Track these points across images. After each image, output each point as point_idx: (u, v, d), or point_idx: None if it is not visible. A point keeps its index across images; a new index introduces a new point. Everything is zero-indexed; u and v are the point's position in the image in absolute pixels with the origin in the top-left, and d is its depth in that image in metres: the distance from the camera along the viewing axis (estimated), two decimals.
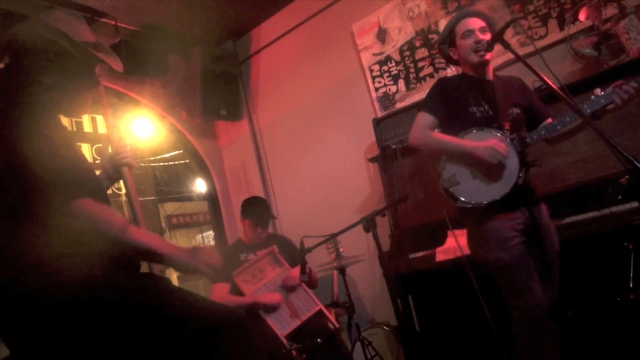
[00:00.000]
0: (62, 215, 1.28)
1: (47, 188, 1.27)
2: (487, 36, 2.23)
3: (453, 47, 2.35)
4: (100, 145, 4.70)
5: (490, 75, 2.32)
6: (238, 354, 1.41)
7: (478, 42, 2.20)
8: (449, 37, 2.35)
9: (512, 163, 2.13)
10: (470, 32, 2.24)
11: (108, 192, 1.92)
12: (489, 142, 2.12)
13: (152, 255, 1.45)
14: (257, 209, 3.46)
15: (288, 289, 3.12)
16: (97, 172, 1.80)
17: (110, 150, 1.84)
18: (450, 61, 2.46)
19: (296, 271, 3.12)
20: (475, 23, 2.25)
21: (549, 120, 2.27)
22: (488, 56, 2.23)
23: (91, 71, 1.61)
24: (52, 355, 1.28)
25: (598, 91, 2.06)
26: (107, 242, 1.38)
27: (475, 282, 2.30)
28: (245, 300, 3.02)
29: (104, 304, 1.31)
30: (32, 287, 1.25)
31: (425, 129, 2.28)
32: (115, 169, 1.81)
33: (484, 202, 2.12)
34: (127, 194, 1.82)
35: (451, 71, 3.53)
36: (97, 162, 4.32)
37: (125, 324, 1.32)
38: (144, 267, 1.60)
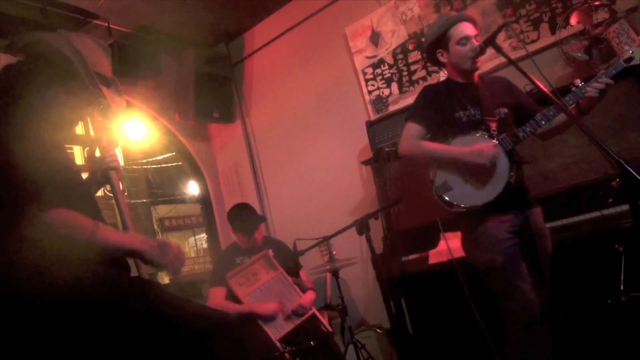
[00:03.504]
0: (35, 225, 1.29)
1: (27, 196, 1.28)
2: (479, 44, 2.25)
3: (443, 50, 2.34)
4: (87, 148, 4.66)
5: (475, 79, 2.33)
6: (229, 358, 1.41)
7: (474, 49, 2.21)
8: (442, 40, 2.34)
9: (502, 163, 2.14)
10: (467, 39, 2.24)
11: (99, 194, 1.91)
12: (476, 147, 2.13)
13: (124, 252, 1.48)
14: (242, 218, 3.43)
15: (297, 314, 3.10)
16: (85, 176, 1.80)
17: (97, 154, 1.83)
18: (435, 63, 2.45)
19: (307, 298, 3.14)
20: (470, 29, 2.26)
21: None
22: (479, 63, 2.25)
23: (90, 101, 1.61)
24: (42, 358, 1.27)
25: (578, 82, 2.07)
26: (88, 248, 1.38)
27: (465, 285, 2.31)
28: (242, 308, 3.00)
29: (94, 306, 1.30)
30: (23, 289, 1.25)
31: (413, 139, 2.29)
32: (102, 173, 1.80)
33: (479, 205, 2.13)
34: (115, 198, 1.81)
35: (444, 74, 3.54)
36: None
37: (116, 327, 1.31)
38: (134, 271, 1.60)
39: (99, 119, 1.80)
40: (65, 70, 1.51)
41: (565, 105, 2.03)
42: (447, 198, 2.20)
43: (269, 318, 2.99)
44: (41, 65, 1.50)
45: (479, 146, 2.13)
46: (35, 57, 1.51)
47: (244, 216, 3.44)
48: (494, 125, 2.20)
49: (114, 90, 1.65)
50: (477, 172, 2.16)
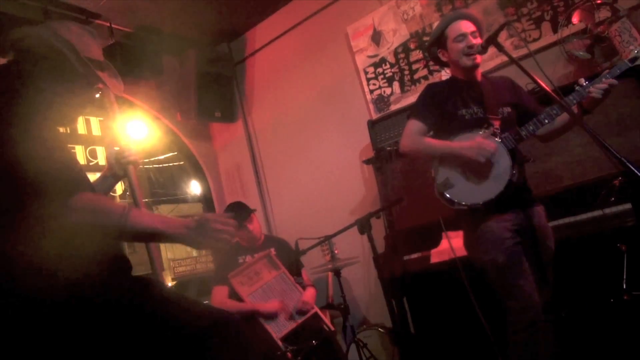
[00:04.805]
0: (64, 212, 1.27)
1: (44, 189, 1.27)
2: (478, 40, 2.24)
3: (442, 49, 2.36)
4: (101, 146, 4.66)
5: (478, 77, 2.34)
6: (231, 356, 1.41)
7: (470, 46, 2.21)
8: (439, 39, 2.35)
9: (504, 161, 2.14)
10: (462, 37, 2.25)
11: (111, 190, 1.92)
12: (474, 141, 2.14)
13: (158, 237, 1.42)
14: (231, 214, 3.47)
15: (301, 312, 3.10)
16: (101, 171, 1.82)
17: (116, 149, 1.85)
18: (438, 62, 2.47)
19: (309, 294, 3.16)
20: (467, 27, 2.26)
21: None
22: (479, 59, 2.25)
23: (88, 89, 1.61)
24: (43, 357, 1.27)
25: (582, 81, 2.08)
26: (102, 243, 1.38)
27: (467, 284, 2.31)
28: (244, 307, 3.02)
29: (97, 306, 1.30)
30: (25, 289, 1.25)
31: (415, 136, 2.30)
32: (121, 166, 1.82)
33: (480, 203, 2.13)
34: (131, 191, 1.84)
35: (446, 74, 3.54)
36: (91, 164, 4.31)
37: (118, 326, 1.31)
38: (138, 270, 1.59)
39: (101, 118, 1.81)
40: (58, 61, 1.50)
41: (568, 104, 2.03)
42: (448, 195, 2.20)
43: (271, 317, 3.00)
44: (33, 60, 1.49)
45: (478, 140, 2.13)
46: (26, 54, 1.50)
47: (233, 211, 3.49)
48: (497, 124, 2.20)
49: (110, 74, 1.64)
50: (479, 169, 2.15)
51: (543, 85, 1.90)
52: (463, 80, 2.32)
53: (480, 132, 2.20)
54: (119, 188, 4.65)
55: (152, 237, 1.43)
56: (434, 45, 2.39)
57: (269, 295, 3.10)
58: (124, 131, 1.93)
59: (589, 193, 2.57)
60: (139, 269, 1.68)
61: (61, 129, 1.65)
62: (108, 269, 1.39)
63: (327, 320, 3.17)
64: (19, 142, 1.29)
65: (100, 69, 1.59)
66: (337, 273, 3.16)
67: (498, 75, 2.49)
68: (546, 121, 2.13)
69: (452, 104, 2.28)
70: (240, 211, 3.44)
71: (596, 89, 2.01)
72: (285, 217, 4.60)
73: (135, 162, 1.84)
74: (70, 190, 1.30)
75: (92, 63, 1.55)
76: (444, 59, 2.38)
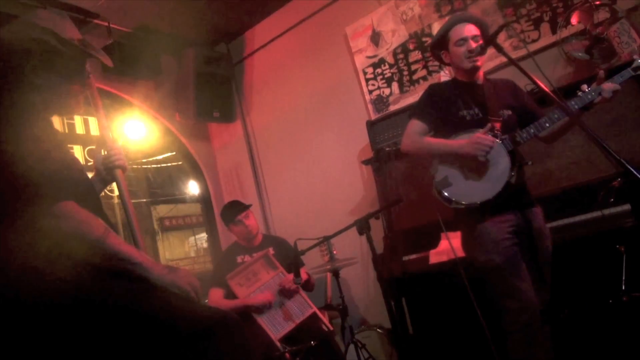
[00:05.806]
0: (46, 217, 1.27)
1: (34, 190, 1.26)
2: (480, 43, 2.26)
3: (445, 51, 2.38)
4: (93, 147, 4.67)
5: (480, 79, 2.34)
6: (230, 357, 1.40)
7: (471, 50, 2.23)
8: (442, 41, 2.37)
9: (503, 162, 2.14)
10: (463, 41, 2.26)
11: (100, 194, 1.90)
12: (472, 137, 2.15)
13: (130, 264, 1.43)
14: (227, 210, 3.49)
15: (285, 293, 3.10)
16: (90, 175, 1.79)
17: (103, 153, 1.82)
18: (441, 62, 2.50)
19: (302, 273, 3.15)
20: (469, 31, 2.28)
21: None
22: (480, 61, 2.26)
23: (81, 68, 1.59)
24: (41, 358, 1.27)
25: (585, 87, 2.09)
26: (94, 246, 1.37)
27: (467, 284, 2.31)
28: (236, 303, 3.01)
29: (93, 307, 1.30)
30: (19, 290, 1.24)
31: (416, 135, 2.32)
32: (108, 171, 1.79)
33: (478, 202, 2.13)
34: (120, 196, 1.80)
35: (445, 74, 3.54)
36: (90, 164, 4.31)
37: (116, 327, 1.31)
38: None
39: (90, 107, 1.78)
40: (43, 52, 1.48)
41: (566, 104, 2.03)
42: (446, 194, 2.21)
43: (263, 309, 2.99)
44: (21, 58, 1.47)
45: (476, 136, 2.15)
46: (11, 54, 1.47)
47: (229, 207, 3.50)
48: (498, 125, 2.21)
49: (92, 50, 1.62)
50: (478, 169, 2.16)
51: (542, 86, 1.90)
52: (465, 82, 2.34)
53: (480, 132, 2.20)
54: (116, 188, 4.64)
55: (123, 262, 1.42)
56: (437, 47, 2.41)
57: None
58: (112, 133, 1.89)
59: (587, 194, 2.57)
60: None
61: (59, 129, 1.64)
62: (105, 270, 1.38)
63: (325, 320, 3.17)
64: (13, 142, 1.28)
65: (83, 46, 1.57)
66: (335, 274, 3.15)
67: (500, 78, 2.50)
68: (547, 125, 2.14)
69: (453, 105, 2.29)
70: (236, 207, 3.45)
71: (609, 88, 2.03)
72: (284, 218, 4.60)
73: (123, 166, 1.79)
74: (58, 196, 1.30)
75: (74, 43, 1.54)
76: (446, 60, 2.41)
